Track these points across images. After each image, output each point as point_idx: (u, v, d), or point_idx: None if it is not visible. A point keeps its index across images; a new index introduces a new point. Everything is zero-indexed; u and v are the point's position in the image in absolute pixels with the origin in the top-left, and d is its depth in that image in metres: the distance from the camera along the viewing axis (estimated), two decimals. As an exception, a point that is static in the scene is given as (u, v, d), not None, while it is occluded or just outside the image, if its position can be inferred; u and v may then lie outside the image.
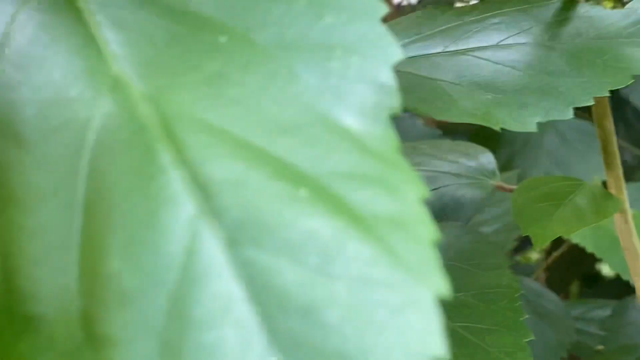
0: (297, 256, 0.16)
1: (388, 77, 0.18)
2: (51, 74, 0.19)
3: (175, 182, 0.17)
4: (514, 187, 0.45)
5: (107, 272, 0.16)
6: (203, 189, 0.17)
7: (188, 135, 0.17)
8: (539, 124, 0.31)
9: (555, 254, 0.93)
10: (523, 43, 0.34)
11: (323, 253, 0.16)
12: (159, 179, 0.17)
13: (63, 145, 0.18)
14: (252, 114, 0.18)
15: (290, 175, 0.17)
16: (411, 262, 0.16)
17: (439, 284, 0.16)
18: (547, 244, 0.37)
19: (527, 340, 0.37)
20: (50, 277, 0.17)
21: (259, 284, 0.16)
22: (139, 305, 0.16)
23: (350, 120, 0.18)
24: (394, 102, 0.18)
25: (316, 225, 0.16)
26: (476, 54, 0.32)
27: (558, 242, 0.86)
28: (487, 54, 0.32)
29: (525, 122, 0.31)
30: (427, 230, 0.17)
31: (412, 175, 0.17)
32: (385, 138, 0.18)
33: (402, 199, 0.17)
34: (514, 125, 0.31)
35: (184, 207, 0.17)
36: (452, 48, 0.32)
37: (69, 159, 0.18)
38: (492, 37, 0.33)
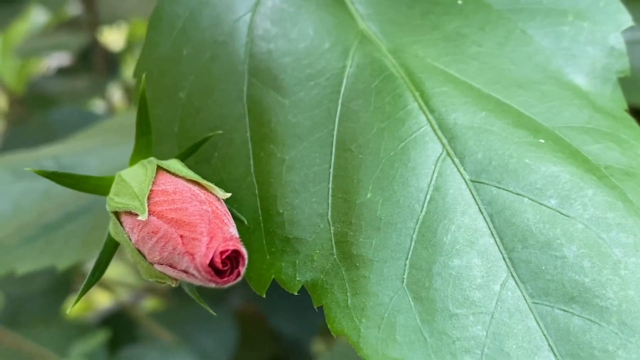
0: (538, 197, 0.18)
1: (618, 42, 0.20)
2: (305, 28, 0.21)
3: (424, 126, 0.19)
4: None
5: (360, 201, 0.18)
6: (449, 133, 0.19)
7: (433, 85, 0.19)
8: None
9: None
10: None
11: (562, 195, 0.17)
12: (408, 122, 0.19)
13: (319, 89, 0.20)
14: (489, 70, 0.20)
15: (528, 125, 0.19)
16: (644, 209, 0.17)
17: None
18: None
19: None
20: (307, 205, 0.19)
21: (501, 219, 0.18)
22: (391, 230, 0.18)
23: (581, 80, 0.20)
24: (623, 65, 0.20)
25: (556, 170, 0.18)
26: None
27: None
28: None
29: None
30: (657, 182, 0.18)
31: (641, 133, 0.19)
32: (615, 98, 0.19)
33: (633, 153, 0.18)
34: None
35: (432, 148, 0.18)
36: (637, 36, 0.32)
37: (326, 101, 0.20)
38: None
